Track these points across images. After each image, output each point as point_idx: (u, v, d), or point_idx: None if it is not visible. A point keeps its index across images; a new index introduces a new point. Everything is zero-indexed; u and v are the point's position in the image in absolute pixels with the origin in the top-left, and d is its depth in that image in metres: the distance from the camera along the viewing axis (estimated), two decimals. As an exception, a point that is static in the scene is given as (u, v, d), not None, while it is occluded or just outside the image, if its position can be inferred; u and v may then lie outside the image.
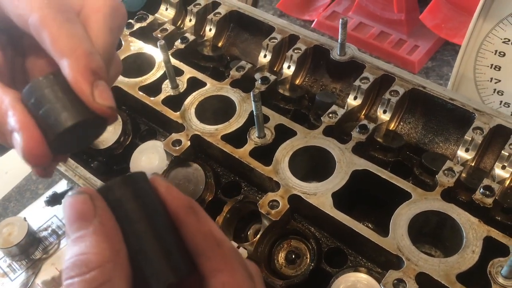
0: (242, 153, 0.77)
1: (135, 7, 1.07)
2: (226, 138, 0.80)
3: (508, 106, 1.05)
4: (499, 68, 1.02)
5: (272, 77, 0.88)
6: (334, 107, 0.82)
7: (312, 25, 1.46)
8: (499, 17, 0.96)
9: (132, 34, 0.99)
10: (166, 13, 1.06)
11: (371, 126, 0.79)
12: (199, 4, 1.02)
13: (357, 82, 0.84)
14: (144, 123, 0.92)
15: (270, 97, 0.89)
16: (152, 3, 1.08)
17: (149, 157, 0.83)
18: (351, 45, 0.89)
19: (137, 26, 1.00)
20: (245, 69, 0.90)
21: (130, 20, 1.01)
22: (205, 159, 0.83)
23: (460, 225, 0.66)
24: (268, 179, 0.74)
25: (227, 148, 0.78)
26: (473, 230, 0.66)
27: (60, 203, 1.07)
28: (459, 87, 1.09)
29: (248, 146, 0.78)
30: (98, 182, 0.77)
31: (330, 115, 0.82)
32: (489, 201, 0.69)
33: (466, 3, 1.17)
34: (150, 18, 1.02)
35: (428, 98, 0.82)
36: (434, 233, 0.72)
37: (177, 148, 0.79)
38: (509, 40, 0.98)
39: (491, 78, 1.04)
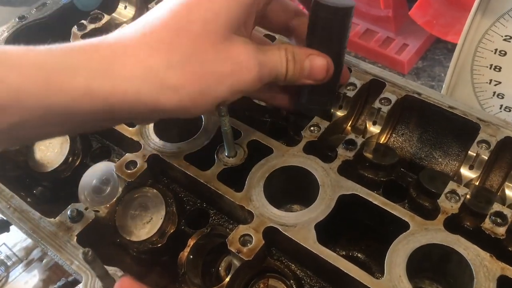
0: (209, 176, 0.66)
1: (90, 6, 0.95)
2: (191, 158, 0.68)
3: (509, 111, 0.95)
4: (500, 69, 0.91)
5: (245, 84, 0.76)
6: (316, 119, 0.71)
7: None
8: (500, 11, 0.85)
9: (85, 36, 0.86)
10: (125, 12, 0.94)
11: (359, 141, 0.67)
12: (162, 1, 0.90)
13: (342, 89, 0.73)
14: (96, 140, 0.80)
15: (243, 108, 0.77)
16: (109, 1, 0.96)
17: (101, 181, 0.71)
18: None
19: (90, 27, 0.87)
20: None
21: (83, 21, 0.88)
22: (167, 182, 0.71)
23: (469, 262, 0.55)
24: (239, 207, 0.63)
25: (191, 171, 0.66)
26: (485, 268, 0.55)
27: (8, 230, 0.94)
28: (454, 90, 0.98)
29: (216, 168, 0.67)
30: (37, 216, 0.65)
31: (312, 128, 0.70)
32: (501, 231, 0.57)
33: (460, -3, 1.06)
34: (106, 18, 0.89)
35: (424, 106, 0.71)
36: (437, 267, 0.61)
37: (132, 171, 0.67)
38: (511, 38, 0.87)
39: (491, 80, 0.94)
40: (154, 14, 0.56)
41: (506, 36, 0.87)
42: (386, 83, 0.72)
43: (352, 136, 0.68)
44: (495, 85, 0.94)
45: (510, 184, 0.63)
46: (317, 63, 0.63)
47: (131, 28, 0.56)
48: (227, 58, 0.56)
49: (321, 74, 0.64)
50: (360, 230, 0.69)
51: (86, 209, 0.65)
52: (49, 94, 0.49)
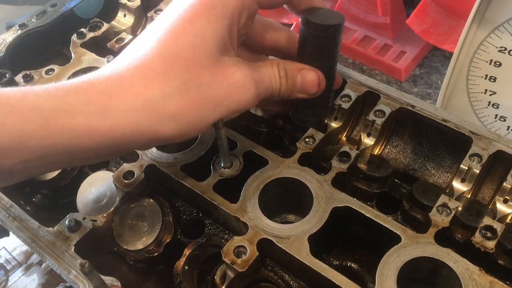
0: (205, 187, 0.67)
1: (89, 13, 0.96)
2: (187, 168, 0.69)
3: (504, 120, 0.96)
4: (495, 79, 0.92)
5: (241, 95, 0.77)
6: (311, 130, 0.72)
7: (291, 29, 1.35)
8: (495, 23, 0.86)
9: (84, 45, 0.87)
10: (124, 20, 0.95)
11: (353, 153, 0.68)
12: (161, 10, 0.91)
13: (337, 101, 0.74)
14: (95, 148, 0.81)
15: (240, 118, 0.78)
16: (109, 9, 0.97)
17: (99, 191, 0.72)
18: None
19: (89, 35, 0.88)
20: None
21: (83, 29, 0.89)
22: (164, 192, 0.72)
23: (458, 276, 0.56)
24: (234, 218, 0.64)
25: (187, 182, 0.67)
26: (474, 282, 0.56)
27: (8, 234, 0.95)
28: (450, 99, 0.99)
29: (212, 179, 0.68)
30: (35, 225, 0.66)
31: (307, 140, 0.71)
32: (491, 244, 0.59)
33: (457, 6, 1.07)
34: (105, 26, 0.90)
35: (418, 118, 0.72)
36: (427, 280, 0.62)
37: (129, 181, 0.68)
38: (505, 49, 0.88)
39: (486, 90, 0.95)
40: (142, 45, 0.57)
41: (501, 47, 0.88)
42: (381, 95, 0.73)
43: (346, 148, 0.69)
44: (490, 95, 0.95)
45: (500, 198, 0.64)
46: (308, 77, 0.65)
47: (123, 61, 0.56)
48: (223, 80, 0.57)
49: (313, 88, 0.65)
50: (353, 241, 0.70)
51: (84, 218, 0.66)
52: (49, 134, 0.50)
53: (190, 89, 0.55)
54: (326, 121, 0.74)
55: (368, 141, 0.72)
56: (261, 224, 0.62)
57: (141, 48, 0.56)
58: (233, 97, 0.58)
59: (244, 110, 0.60)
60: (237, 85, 0.57)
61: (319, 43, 0.64)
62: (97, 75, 0.55)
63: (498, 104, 0.95)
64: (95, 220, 0.66)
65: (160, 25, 0.58)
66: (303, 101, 0.69)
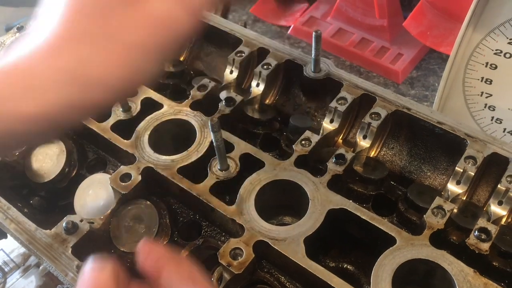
0: (202, 190, 0.67)
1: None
2: (184, 170, 0.69)
3: (500, 123, 0.96)
4: (491, 82, 0.93)
5: (239, 98, 0.78)
6: (307, 133, 0.72)
7: (289, 32, 1.36)
8: (491, 26, 0.87)
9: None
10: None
11: (349, 155, 0.69)
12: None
13: (333, 103, 0.74)
14: (93, 150, 0.81)
15: (237, 120, 0.79)
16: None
17: (96, 193, 0.72)
18: (327, 60, 0.79)
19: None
20: (207, 88, 0.79)
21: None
22: (161, 194, 0.72)
23: (452, 277, 0.57)
24: (231, 221, 0.64)
25: (184, 184, 0.67)
26: (468, 284, 0.56)
27: (6, 236, 0.95)
28: (447, 101, 1.00)
29: (209, 181, 0.68)
30: (32, 227, 0.66)
31: (303, 142, 0.71)
32: (485, 246, 0.59)
33: (453, 9, 1.08)
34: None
35: (413, 121, 0.72)
36: (422, 281, 0.62)
37: (127, 183, 0.68)
38: (501, 52, 0.88)
39: (482, 92, 0.95)
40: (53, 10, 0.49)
41: (496, 50, 0.89)
42: (377, 97, 0.74)
43: (342, 150, 0.69)
44: (486, 97, 0.95)
45: (495, 200, 0.64)
46: None
47: (44, 34, 0.48)
48: (139, 19, 0.48)
49: None
50: (349, 242, 0.70)
51: (81, 221, 0.66)
52: None
53: (104, 42, 0.47)
54: (323, 123, 0.74)
55: (364, 143, 0.72)
56: (257, 226, 0.63)
57: (53, 15, 0.49)
58: (160, 34, 0.49)
59: (186, 38, 0.51)
60: (161, 21, 0.49)
61: None
62: (19, 56, 0.48)
63: (494, 106, 0.95)
64: (92, 222, 0.67)
65: None
66: None
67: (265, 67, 0.80)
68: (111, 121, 0.76)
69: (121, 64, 0.48)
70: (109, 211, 0.68)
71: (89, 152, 0.81)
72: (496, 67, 0.91)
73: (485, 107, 0.96)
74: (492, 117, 0.97)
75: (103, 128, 0.75)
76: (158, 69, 0.52)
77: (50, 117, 0.48)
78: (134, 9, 0.48)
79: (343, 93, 0.75)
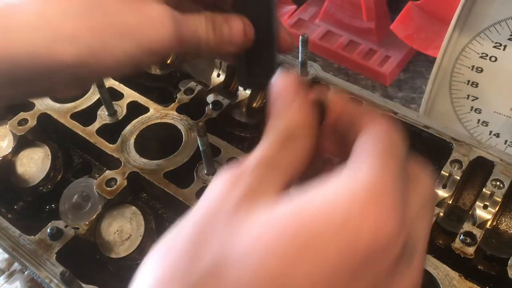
0: (188, 195, 0.67)
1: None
2: (170, 175, 0.69)
3: (486, 125, 0.97)
4: (477, 85, 0.94)
5: (226, 101, 0.78)
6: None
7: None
8: (477, 29, 0.87)
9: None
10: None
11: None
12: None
13: (320, 107, 0.74)
14: (78, 155, 0.80)
15: (224, 124, 0.78)
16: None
17: (81, 198, 0.72)
18: (314, 64, 0.79)
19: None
20: (194, 92, 0.79)
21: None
22: (147, 199, 0.72)
23: (438, 282, 0.57)
24: (217, 226, 0.64)
25: (170, 189, 0.67)
26: (453, 288, 0.56)
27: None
28: (433, 104, 1.00)
29: (195, 186, 0.68)
30: (16, 233, 0.65)
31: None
32: (470, 250, 0.59)
33: (441, 12, 1.08)
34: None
35: (400, 125, 0.72)
36: (409, 285, 0.62)
37: (112, 188, 0.68)
38: (487, 55, 0.89)
39: (468, 95, 0.96)
40: None
41: (482, 53, 0.89)
42: (363, 101, 0.74)
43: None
44: (473, 100, 0.96)
45: (480, 204, 0.64)
46: (235, 26, 0.58)
47: None
48: (135, 11, 0.51)
49: (239, 36, 0.59)
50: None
51: (66, 226, 0.65)
52: None
53: (93, 11, 0.49)
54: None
55: (351, 147, 0.72)
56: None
57: None
58: (145, 30, 0.51)
59: (160, 50, 0.53)
60: (153, 19, 0.51)
61: None
62: None
63: (481, 109, 0.96)
64: (77, 228, 0.66)
65: None
66: (245, 60, 0.63)
67: (252, 70, 0.80)
68: (96, 125, 0.75)
69: (97, 34, 0.49)
70: (94, 216, 0.67)
71: (75, 156, 0.80)
72: (482, 70, 0.91)
73: (471, 110, 0.97)
74: (479, 120, 0.98)
75: (88, 132, 0.75)
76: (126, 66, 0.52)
77: (13, 62, 0.48)
78: (133, 2, 0.50)
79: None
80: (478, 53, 0.90)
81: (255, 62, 0.63)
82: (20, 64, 0.48)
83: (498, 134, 0.96)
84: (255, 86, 0.68)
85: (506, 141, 0.96)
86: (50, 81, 0.55)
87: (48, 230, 0.64)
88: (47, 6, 0.48)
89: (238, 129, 0.80)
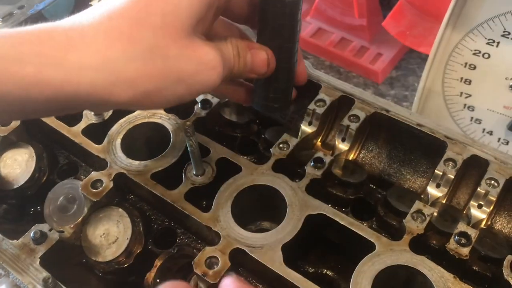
0: (176, 196, 0.65)
1: (59, 16, 0.92)
2: (158, 176, 0.67)
3: (480, 123, 0.96)
4: (470, 82, 0.92)
5: (215, 100, 0.76)
6: (285, 136, 0.70)
7: None
8: (469, 26, 0.86)
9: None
10: (94, 22, 0.92)
11: (327, 159, 0.67)
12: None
13: (311, 106, 0.72)
14: (63, 156, 0.78)
15: (213, 123, 0.77)
16: (79, 11, 0.94)
17: (67, 200, 0.70)
18: (306, 61, 0.77)
19: (58, 39, 0.85)
20: (183, 91, 0.77)
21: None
22: (134, 200, 0.70)
23: (433, 284, 0.55)
24: (206, 228, 0.62)
25: (158, 190, 0.65)
26: (448, 290, 0.55)
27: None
28: (426, 102, 0.99)
29: (184, 187, 0.66)
30: (-1, 237, 0.63)
31: (281, 145, 0.70)
32: (465, 251, 0.58)
33: (433, 9, 1.07)
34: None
35: (393, 123, 0.71)
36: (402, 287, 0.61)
37: (98, 190, 0.66)
38: (480, 52, 0.88)
39: (461, 93, 0.95)
40: (113, 2, 0.52)
41: (475, 50, 0.88)
42: (355, 99, 0.72)
43: (320, 154, 0.68)
44: (466, 97, 0.95)
45: (475, 203, 0.63)
46: (258, 56, 0.62)
47: (88, 14, 0.52)
48: (193, 57, 0.54)
49: (262, 67, 0.63)
50: (329, 247, 0.69)
51: (50, 230, 0.63)
52: None
53: (155, 57, 0.52)
54: (301, 126, 0.73)
55: (343, 146, 0.71)
56: (234, 234, 0.61)
57: (111, 4, 0.52)
58: (200, 76, 0.55)
59: (206, 92, 0.58)
60: (208, 65, 0.55)
61: (276, 20, 0.61)
62: (58, 24, 0.51)
63: (474, 107, 0.95)
64: (62, 231, 0.64)
65: None
66: (262, 87, 0.67)
67: (242, 68, 0.78)
68: (82, 125, 0.73)
69: (156, 80, 0.52)
70: (80, 219, 0.66)
71: (60, 157, 0.78)
72: (475, 68, 0.90)
73: (464, 107, 0.96)
74: (472, 118, 0.97)
75: (74, 133, 0.73)
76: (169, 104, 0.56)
77: (68, 96, 0.50)
78: (191, 47, 0.54)
79: (321, 95, 0.73)
80: (471, 50, 0.88)
81: (272, 88, 0.66)
82: (75, 99, 0.50)
83: (491, 131, 0.95)
84: (269, 110, 0.69)
85: (499, 139, 0.95)
86: (92, 109, 0.64)
87: (32, 234, 0.62)
88: (111, 48, 0.50)
89: (227, 128, 0.78)
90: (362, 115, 0.70)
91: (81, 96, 0.50)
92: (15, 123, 0.75)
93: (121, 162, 0.68)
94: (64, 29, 0.50)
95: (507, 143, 0.95)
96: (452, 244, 0.59)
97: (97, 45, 0.50)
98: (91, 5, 0.92)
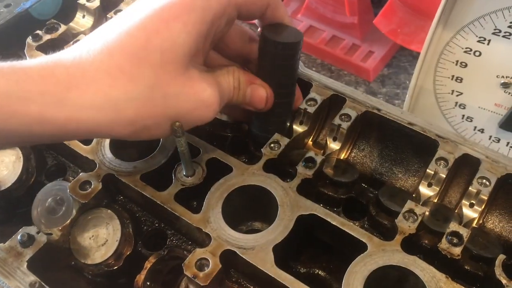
0: (166, 197, 0.64)
1: (46, 15, 0.92)
2: (147, 177, 0.66)
3: (471, 121, 0.96)
4: (461, 80, 0.92)
5: (205, 99, 0.75)
6: (276, 136, 0.70)
7: (259, 30, 1.33)
8: (460, 24, 0.86)
9: (40, 48, 0.83)
10: (83, 21, 0.91)
11: (318, 158, 0.67)
12: (121, 10, 0.88)
13: (302, 105, 0.72)
14: (52, 156, 0.77)
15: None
16: (67, 10, 0.93)
17: (55, 202, 0.69)
18: (296, 60, 0.76)
19: (46, 38, 0.84)
20: (172, 90, 0.76)
21: (38, 31, 0.85)
22: (123, 201, 0.69)
23: (425, 284, 0.55)
24: (197, 229, 0.61)
25: (148, 191, 0.64)
26: (440, 290, 0.55)
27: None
28: (417, 100, 0.99)
29: (174, 188, 0.65)
30: (-16, 242, 0.62)
31: (272, 145, 0.69)
32: (457, 251, 0.58)
33: (424, 6, 1.07)
34: (62, 28, 0.86)
35: (384, 122, 0.71)
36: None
37: (86, 192, 0.65)
38: (471, 50, 0.88)
39: (452, 91, 0.95)
40: (111, 36, 0.54)
41: (466, 48, 0.88)
42: (347, 98, 0.72)
43: (311, 153, 0.67)
44: (457, 95, 0.95)
45: (466, 202, 0.63)
46: (257, 93, 0.64)
47: (88, 51, 0.53)
48: (191, 94, 0.55)
49: (260, 104, 0.65)
50: (321, 248, 0.69)
51: (38, 232, 0.62)
52: (0, 120, 0.48)
53: (155, 97, 0.53)
54: (292, 125, 0.72)
55: (334, 145, 0.70)
56: (224, 235, 0.60)
57: (109, 39, 0.53)
58: (197, 112, 0.57)
59: (201, 124, 0.60)
60: (205, 103, 0.57)
61: (275, 60, 0.64)
62: (59, 60, 0.52)
63: (465, 105, 0.95)
64: (50, 234, 0.63)
65: (133, 17, 0.54)
66: (258, 117, 0.69)
67: (232, 67, 0.78)
68: (70, 125, 0.72)
69: (155, 118, 0.54)
70: (68, 221, 0.65)
71: (48, 158, 0.77)
72: (466, 65, 0.90)
73: (456, 105, 0.96)
74: (463, 115, 0.97)
75: (62, 133, 0.71)
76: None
77: (71, 132, 0.53)
78: (189, 84, 0.55)
79: (312, 94, 0.73)
80: (462, 48, 0.88)
81: (270, 121, 0.69)
82: (76, 134, 0.54)
83: (483, 129, 0.95)
84: (262, 139, 0.70)
85: (490, 137, 0.95)
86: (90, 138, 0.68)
87: (19, 237, 0.61)
88: (113, 87, 0.51)
89: (218, 128, 0.77)
90: (353, 114, 0.70)
91: (82, 131, 0.53)
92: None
93: (110, 163, 0.67)
94: (65, 67, 0.51)
95: (498, 141, 0.95)
96: (444, 244, 0.58)
97: (98, 84, 0.51)
98: (79, 3, 0.91)
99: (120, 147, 0.70)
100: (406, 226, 0.60)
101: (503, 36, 0.83)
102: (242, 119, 0.74)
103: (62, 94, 0.50)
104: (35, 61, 0.52)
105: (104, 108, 0.51)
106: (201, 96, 0.56)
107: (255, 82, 0.64)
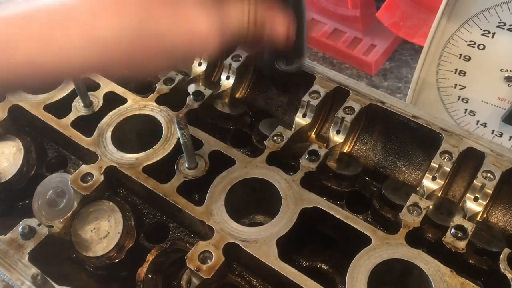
0: (168, 190, 0.63)
1: None
2: (150, 169, 0.66)
3: (474, 115, 0.96)
4: (464, 74, 0.92)
5: (207, 92, 0.74)
6: (279, 128, 0.69)
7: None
8: (464, 17, 0.85)
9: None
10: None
11: (322, 151, 0.66)
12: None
13: (306, 97, 0.71)
14: (52, 148, 0.76)
15: (206, 115, 0.75)
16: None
17: (56, 194, 0.68)
18: (299, 52, 0.76)
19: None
20: (174, 82, 0.76)
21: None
22: (125, 194, 0.69)
23: (429, 277, 0.55)
24: (199, 222, 0.61)
25: (150, 184, 0.64)
26: (445, 284, 0.54)
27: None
28: (420, 94, 0.98)
29: (176, 181, 0.64)
30: (-16, 234, 0.61)
31: (275, 138, 0.68)
32: (462, 245, 0.57)
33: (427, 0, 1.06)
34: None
35: (388, 115, 0.70)
36: (398, 282, 0.60)
37: (88, 184, 0.64)
38: (475, 43, 0.87)
39: (456, 84, 0.94)
40: None
41: (470, 41, 0.87)
42: (350, 91, 0.71)
43: (315, 146, 0.66)
44: (460, 89, 0.94)
45: (471, 196, 0.63)
46: (278, 28, 0.57)
47: None
48: (184, 28, 0.50)
49: (281, 39, 0.58)
50: (324, 241, 0.68)
51: (39, 225, 0.62)
52: None
53: (145, 32, 0.49)
54: (295, 118, 0.71)
55: (338, 138, 0.70)
56: (228, 228, 0.60)
57: None
58: (193, 48, 0.51)
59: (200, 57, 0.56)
60: (201, 37, 0.50)
61: None
62: (42, 5, 0.49)
63: (468, 99, 0.94)
64: (52, 226, 0.62)
65: None
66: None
67: (235, 59, 0.77)
68: (71, 117, 0.72)
69: (148, 56, 0.50)
70: (69, 213, 0.64)
71: (49, 150, 0.76)
72: (469, 59, 0.89)
73: (458, 99, 0.95)
74: (466, 110, 0.96)
75: (63, 125, 0.71)
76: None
77: (62, 74, 0.50)
78: (181, 14, 0.49)
79: (316, 87, 0.72)
80: (466, 41, 0.88)
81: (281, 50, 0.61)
82: (68, 74, 0.52)
83: (485, 123, 0.95)
84: (273, 72, 0.67)
85: (493, 131, 0.95)
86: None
87: (20, 229, 0.61)
88: (97, 23, 0.48)
89: (220, 120, 0.77)
90: (357, 107, 0.69)
91: (75, 71, 0.51)
92: (2, 115, 0.73)
93: (112, 155, 0.67)
94: (47, 9, 0.48)
95: (501, 135, 0.94)
96: (448, 238, 0.58)
97: (83, 24, 0.48)
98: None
99: (122, 138, 0.70)
100: (411, 219, 0.59)
101: (508, 29, 0.82)
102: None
103: (46, 34, 0.47)
104: (16, 8, 0.49)
105: (92, 48, 0.48)
106: (195, 29, 0.50)
107: (276, 15, 0.56)
